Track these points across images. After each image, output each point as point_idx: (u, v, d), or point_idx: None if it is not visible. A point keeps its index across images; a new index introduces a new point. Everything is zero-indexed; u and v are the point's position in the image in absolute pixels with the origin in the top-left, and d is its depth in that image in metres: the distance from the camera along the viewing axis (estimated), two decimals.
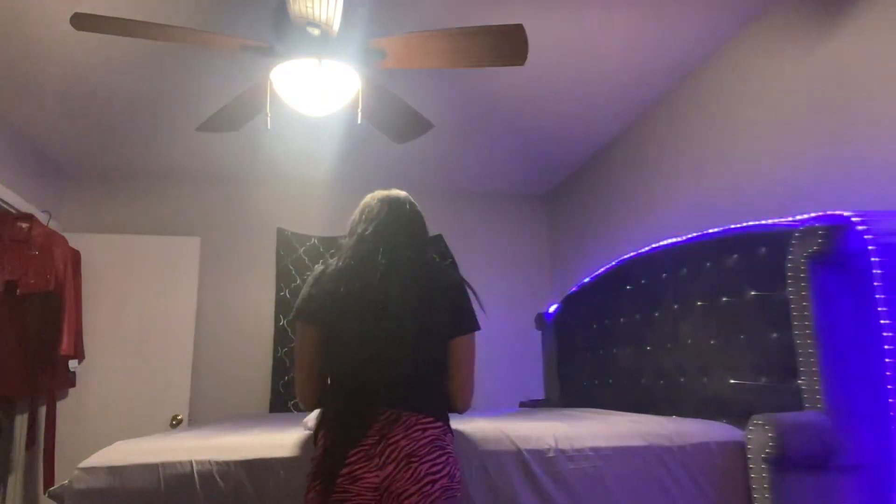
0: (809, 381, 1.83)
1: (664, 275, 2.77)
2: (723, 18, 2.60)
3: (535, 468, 1.78)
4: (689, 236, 2.60)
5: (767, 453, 1.74)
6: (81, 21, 1.96)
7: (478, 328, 1.69)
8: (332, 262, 1.71)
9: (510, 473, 1.77)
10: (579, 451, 1.83)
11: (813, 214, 1.94)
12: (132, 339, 3.96)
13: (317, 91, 2.21)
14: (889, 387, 1.71)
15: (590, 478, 1.80)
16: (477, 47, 2.14)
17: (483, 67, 2.25)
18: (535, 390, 4.15)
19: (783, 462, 1.73)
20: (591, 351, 3.42)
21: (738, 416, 2.07)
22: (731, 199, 2.68)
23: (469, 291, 1.70)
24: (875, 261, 1.76)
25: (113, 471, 1.67)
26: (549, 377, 3.89)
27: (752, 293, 2.21)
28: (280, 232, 4.39)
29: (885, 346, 1.73)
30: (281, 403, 4.09)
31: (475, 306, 1.69)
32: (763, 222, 2.17)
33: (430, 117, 2.79)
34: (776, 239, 2.05)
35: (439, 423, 1.56)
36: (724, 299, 2.35)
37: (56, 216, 3.94)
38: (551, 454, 1.81)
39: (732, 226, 2.34)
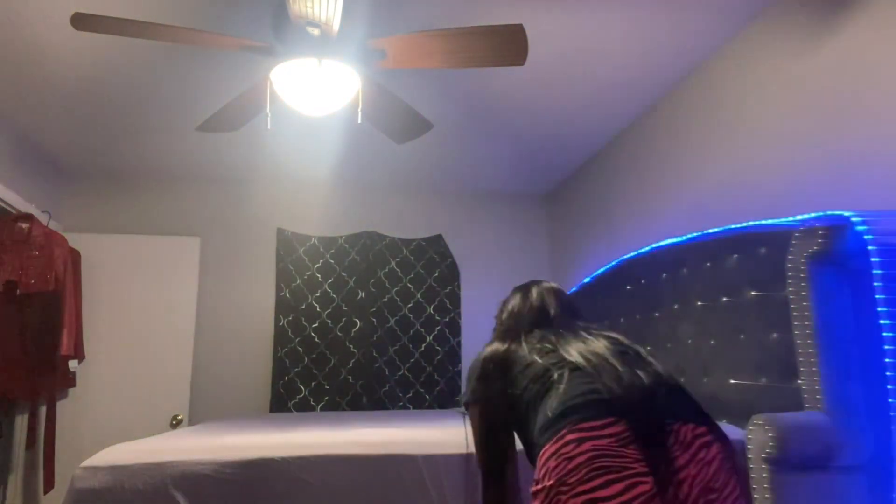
0: (809, 381, 1.83)
1: (664, 275, 2.77)
2: (723, 18, 2.60)
3: None
4: (689, 236, 2.60)
5: (768, 453, 1.73)
6: (81, 21, 1.96)
7: None
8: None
9: None
10: None
11: (813, 214, 1.94)
12: (132, 339, 3.96)
13: (317, 91, 2.21)
14: (889, 387, 1.71)
15: None
16: (477, 47, 2.14)
17: (483, 67, 2.25)
18: None
19: (783, 462, 1.73)
20: None
21: (739, 416, 2.07)
22: (731, 199, 2.68)
23: None
24: (875, 261, 1.76)
25: (114, 470, 1.67)
26: None
27: (752, 293, 2.21)
28: (280, 232, 4.38)
29: (885, 346, 1.73)
30: (281, 403, 4.08)
31: None
32: (763, 222, 2.18)
33: (430, 117, 2.79)
34: (776, 239, 2.05)
35: None
36: (724, 299, 2.35)
37: (56, 216, 3.94)
38: None
39: (732, 226, 2.34)
